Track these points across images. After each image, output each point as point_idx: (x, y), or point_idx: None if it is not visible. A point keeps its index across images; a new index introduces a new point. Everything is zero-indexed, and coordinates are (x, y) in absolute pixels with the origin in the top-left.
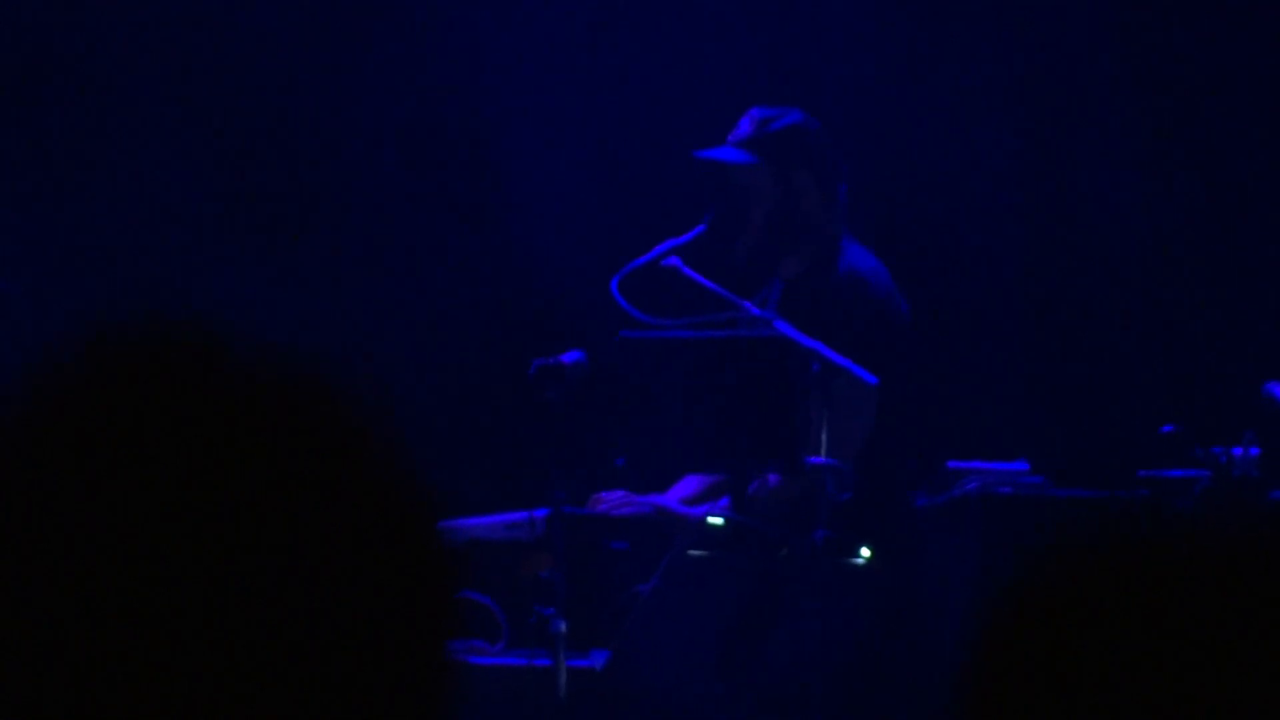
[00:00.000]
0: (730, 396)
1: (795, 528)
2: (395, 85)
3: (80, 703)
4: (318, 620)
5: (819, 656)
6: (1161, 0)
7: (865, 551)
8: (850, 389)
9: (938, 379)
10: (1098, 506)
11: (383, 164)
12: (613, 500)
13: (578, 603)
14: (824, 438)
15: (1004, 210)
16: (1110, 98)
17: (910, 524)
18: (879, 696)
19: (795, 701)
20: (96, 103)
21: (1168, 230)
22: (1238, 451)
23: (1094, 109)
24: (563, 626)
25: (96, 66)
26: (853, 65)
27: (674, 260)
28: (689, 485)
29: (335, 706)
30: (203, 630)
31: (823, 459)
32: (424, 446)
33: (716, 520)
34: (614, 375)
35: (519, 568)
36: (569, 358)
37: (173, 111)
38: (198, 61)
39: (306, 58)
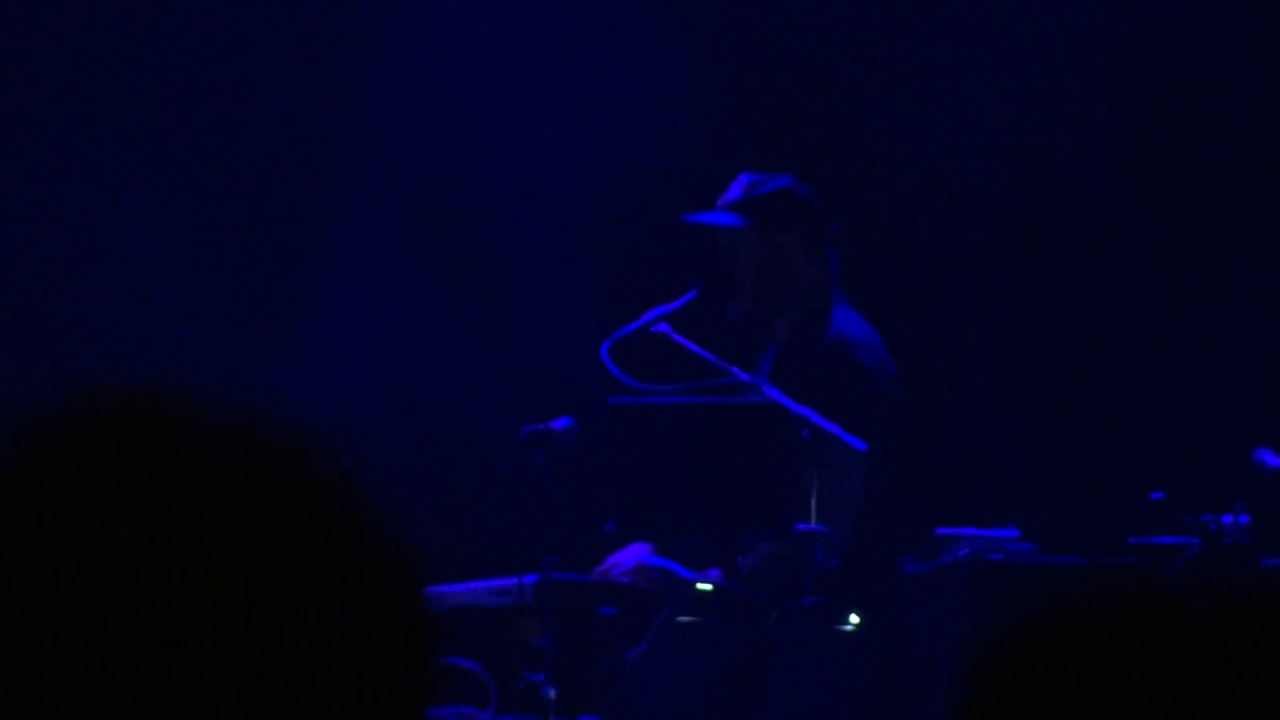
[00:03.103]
0: (720, 462)
1: (785, 593)
2: (386, 149)
3: None
4: (304, 687)
5: None
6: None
7: (855, 618)
8: (840, 455)
9: (927, 445)
10: (1087, 573)
11: (373, 229)
12: (625, 561)
13: (567, 668)
14: (814, 504)
15: (993, 276)
16: (1103, 162)
17: (900, 590)
18: None
19: None
20: (70, 163)
21: (1158, 296)
22: (1227, 519)
23: (1086, 173)
24: (552, 692)
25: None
26: (838, 130)
27: (664, 326)
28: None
29: None
30: (185, 695)
31: (812, 525)
32: (413, 512)
33: (705, 586)
34: (604, 441)
35: (508, 634)
36: (559, 424)
37: (160, 166)
38: (183, 115)
39: (295, 114)
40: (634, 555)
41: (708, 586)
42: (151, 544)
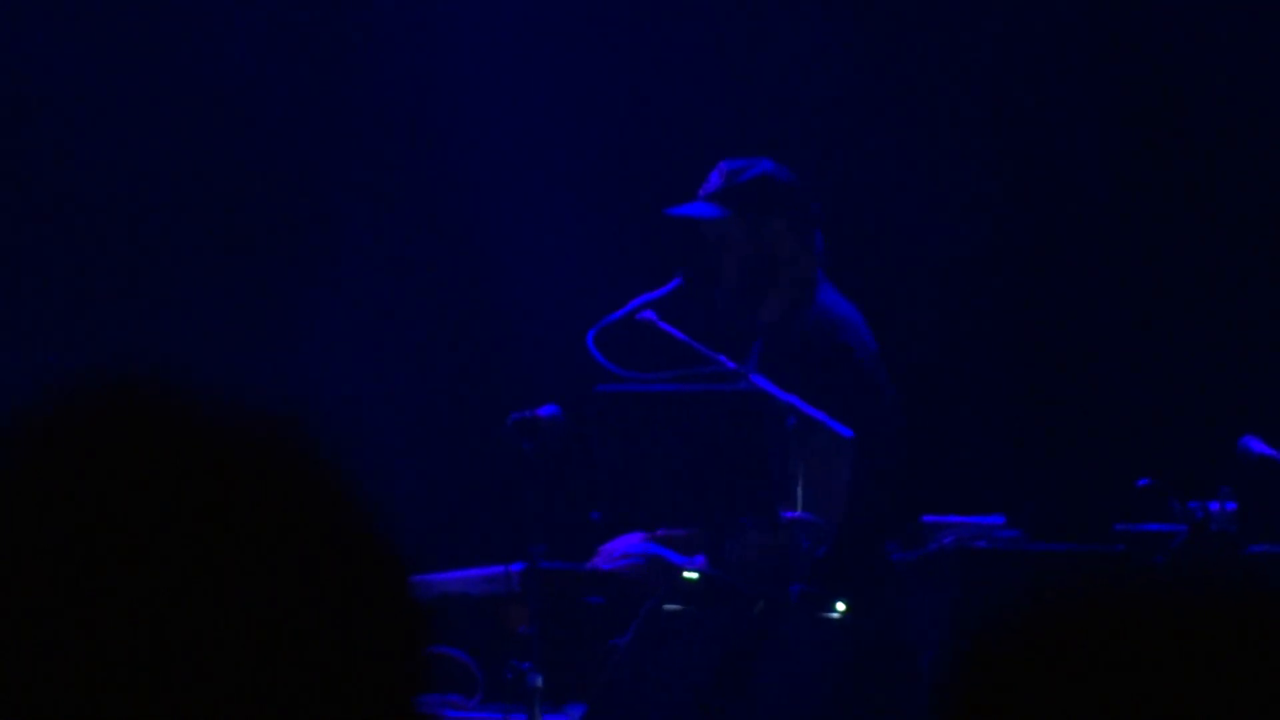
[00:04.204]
0: (706, 450)
1: (772, 582)
2: (375, 140)
3: None
4: (293, 676)
5: (794, 711)
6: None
7: (841, 606)
8: (827, 443)
9: (913, 432)
10: (1074, 560)
11: (360, 218)
12: (614, 550)
13: (554, 657)
14: (800, 492)
15: (980, 263)
16: (1088, 151)
17: (886, 578)
18: None
19: None
20: (64, 155)
21: (1146, 284)
22: (1214, 506)
23: (1072, 162)
24: (539, 681)
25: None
26: (825, 114)
27: (649, 314)
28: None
29: None
30: (173, 685)
31: (799, 513)
32: (399, 501)
33: (692, 575)
34: (590, 429)
35: (495, 622)
36: (545, 412)
37: (157, 162)
38: (181, 112)
39: (285, 107)
40: (627, 543)
41: (694, 575)
42: (138, 534)
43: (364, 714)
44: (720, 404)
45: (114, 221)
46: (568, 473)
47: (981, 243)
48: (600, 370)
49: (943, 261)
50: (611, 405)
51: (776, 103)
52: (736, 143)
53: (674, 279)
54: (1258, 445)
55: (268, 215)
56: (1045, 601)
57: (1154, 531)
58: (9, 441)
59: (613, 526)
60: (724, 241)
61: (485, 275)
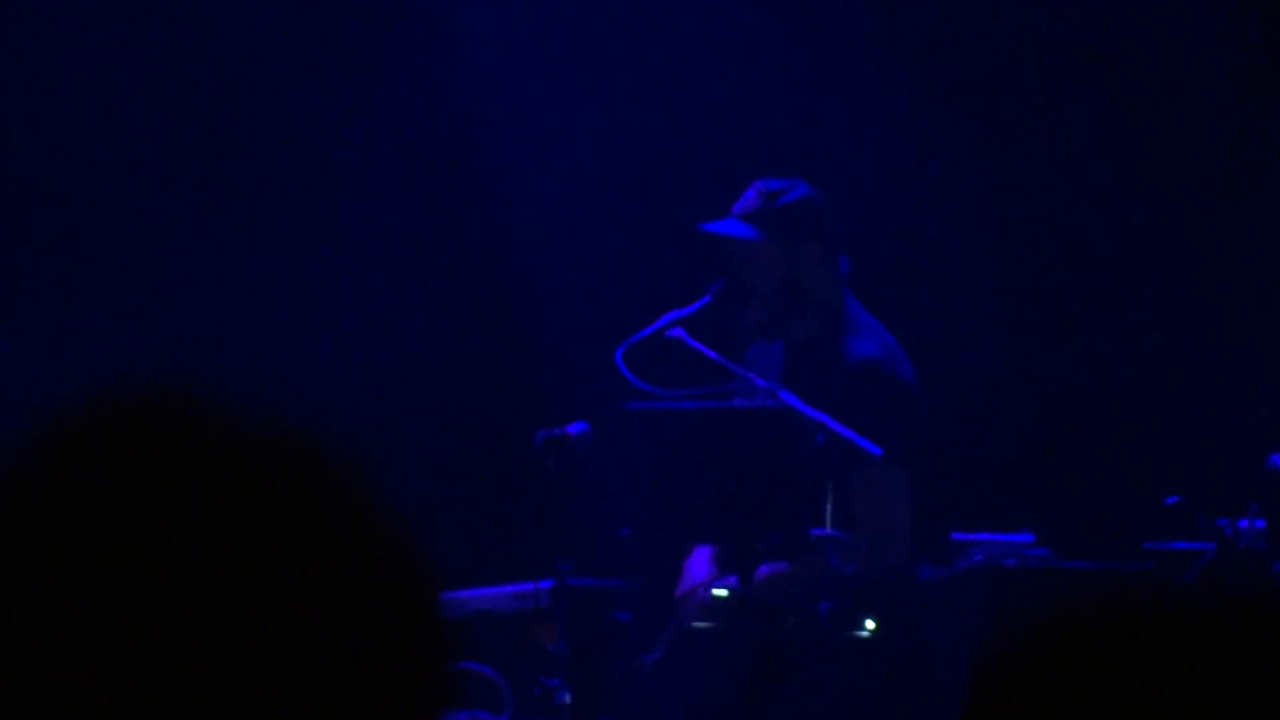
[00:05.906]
0: (735, 467)
1: (801, 599)
2: (404, 155)
3: None
4: (322, 693)
5: None
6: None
7: (870, 624)
8: (855, 460)
9: (943, 450)
10: (1103, 578)
11: (388, 234)
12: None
13: (582, 673)
14: (829, 509)
15: (1007, 281)
16: (1116, 164)
17: (915, 596)
18: None
19: None
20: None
21: (1175, 302)
22: (1243, 523)
23: (1098, 175)
24: (567, 697)
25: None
26: (855, 128)
27: (679, 331)
28: (701, 559)
29: None
30: (200, 700)
31: (828, 530)
32: (428, 518)
33: (721, 592)
34: (618, 446)
35: (524, 639)
36: (573, 429)
37: (174, 166)
38: (195, 114)
39: (311, 120)
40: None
41: (724, 592)
42: (166, 549)
43: None
44: (749, 421)
45: (129, 224)
46: (596, 490)
47: (1010, 262)
48: (629, 387)
49: (971, 280)
50: (640, 422)
51: (807, 117)
52: (766, 157)
53: (704, 296)
54: None
55: (297, 231)
56: (1074, 619)
57: (1183, 549)
58: (23, 448)
59: (640, 543)
60: (757, 263)
61: (514, 292)
